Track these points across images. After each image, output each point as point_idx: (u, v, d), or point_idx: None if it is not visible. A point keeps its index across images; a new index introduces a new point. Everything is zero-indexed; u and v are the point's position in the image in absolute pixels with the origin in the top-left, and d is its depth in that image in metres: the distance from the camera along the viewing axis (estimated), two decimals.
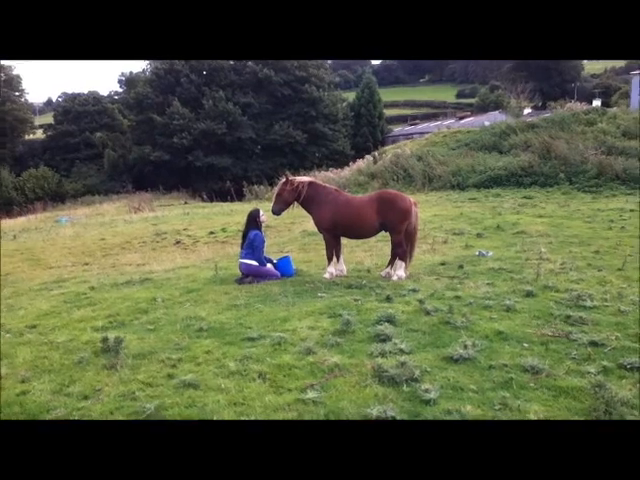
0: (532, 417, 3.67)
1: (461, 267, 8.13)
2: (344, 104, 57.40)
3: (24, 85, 64.54)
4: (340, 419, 3.84)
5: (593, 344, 4.83)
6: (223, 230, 15.09)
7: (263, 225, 8.72)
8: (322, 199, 8.12)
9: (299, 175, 26.61)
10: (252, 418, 3.92)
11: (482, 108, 59.40)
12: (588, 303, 5.95)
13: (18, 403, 4.36)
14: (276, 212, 8.32)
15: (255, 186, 29.51)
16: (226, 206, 25.17)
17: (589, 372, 4.26)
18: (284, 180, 8.25)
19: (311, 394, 4.22)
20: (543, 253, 7.96)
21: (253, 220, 8.48)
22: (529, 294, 6.47)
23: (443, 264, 8.51)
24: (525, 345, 4.96)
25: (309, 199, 8.17)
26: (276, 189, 8.40)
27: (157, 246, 14.24)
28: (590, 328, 5.26)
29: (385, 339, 5.26)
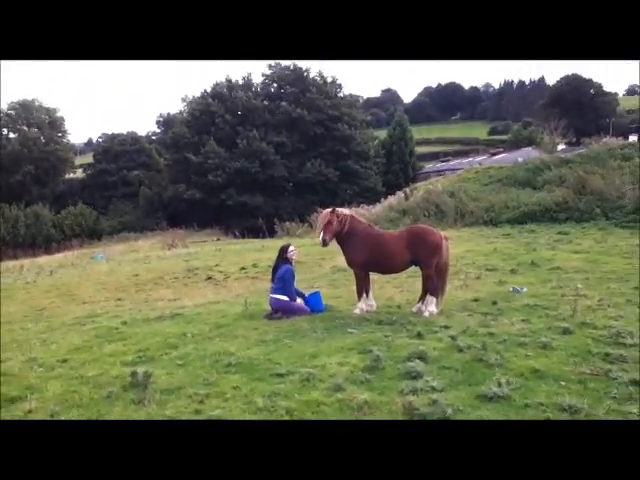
0: None
1: (495, 303, 7.95)
2: (375, 142, 57.89)
3: (66, 126, 66.74)
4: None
5: (634, 383, 4.61)
6: (254, 266, 15.17)
7: (293, 260, 8.73)
8: (358, 234, 8.06)
9: None
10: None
11: (515, 144, 59.09)
12: (628, 340, 5.72)
13: None
14: (327, 242, 7.99)
15: (286, 223, 29.71)
16: (258, 242, 25.37)
17: (630, 412, 4.05)
18: (330, 210, 8.10)
19: None
20: (580, 289, 7.72)
21: (283, 254, 8.51)
22: (566, 331, 6.26)
23: (476, 300, 8.33)
24: (562, 383, 4.76)
25: (348, 233, 8.07)
26: (323, 219, 8.08)
27: (189, 282, 14.37)
28: (631, 366, 5.03)
29: (416, 376, 5.13)
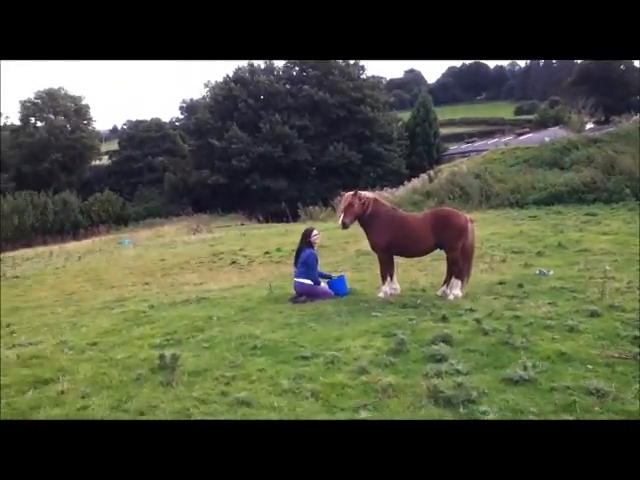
0: None
1: (520, 286, 7.86)
2: (399, 124, 57.31)
3: (92, 113, 67.37)
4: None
5: None
6: (278, 250, 15.23)
7: (316, 244, 8.74)
8: (382, 217, 8.03)
9: None
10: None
11: (541, 124, 57.87)
12: None
13: (79, 417, 4.48)
14: (347, 224, 8.03)
15: (310, 207, 29.68)
16: (281, 227, 25.45)
17: None
18: (353, 192, 8.11)
19: (364, 414, 4.15)
20: (608, 271, 7.59)
21: (306, 239, 8.54)
22: (593, 314, 6.17)
23: (501, 283, 8.25)
24: (589, 367, 4.71)
25: (371, 216, 8.06)
26: (345, 201, 8.13)
27: (214, 266, 14.51)
28: None
29: (441, 359, 5.13)
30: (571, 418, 3.78)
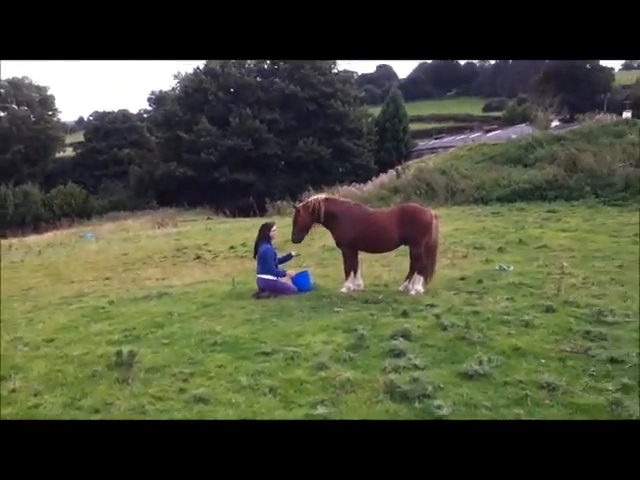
0: None
1: (480, 282, 7.98)
2: (369, 119, 57.50)
3: (57, 104, 65.78)
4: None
5: (613, 361, 4.66)
6: (243, 245, 15.13)
7: (273, 240, 8.68)
8: (341, 214, 8.05)
9: (321, 191, 26.52)
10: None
11: (509, 121, 58.79)
12: (609, 319, 5.76)
13: (29, 416, 4.38)
14: (297, 240, 8.20)
15: (278, 202, 29.60)
16: (248, 221, 25.32)
17: (607, 389, 4.10)
18: (295, 210, 8.22)
19: (321, 410, 4.16)
20: (565, 268, 7.75)
21: (264, 234, 8.49)
22: (549, 309, 6.30)
23: (462, 279, 8.36)
24: (542, 361, 4.81)
25: (328, 215, 8.07)
26: (293, 219, 8.30)
27: (177, 261, 14.36)
28: (610, 344, 5.07)
29: (399, 354, 5.17)
30: (522, 412, 3.85)
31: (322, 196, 8.42)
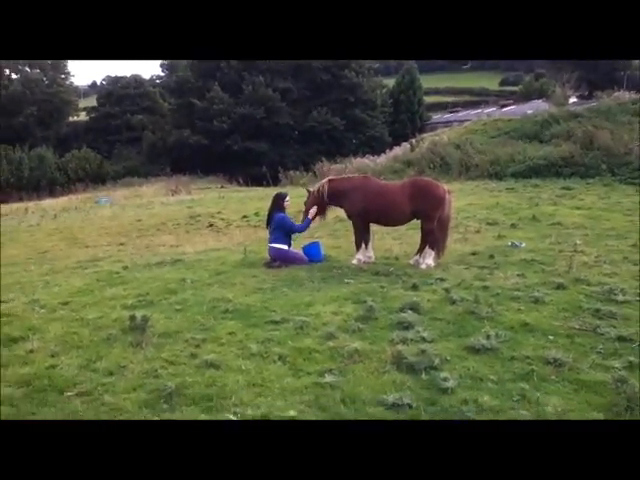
0: (550, 410, 3.61)
1: (492, 257, 8.00)
2: (383, 90, 56.77)
3: (70, 68, 65.38)
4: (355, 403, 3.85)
5: (621, 339, 4.71)
6: (256, 214, 15.18)
7: (287, 210, 8.75)
8: (348, 188, 8.13)
9: (335, 163, 26.39)
10: (270, 399, 3.97)
11: (526, 96, 57.78)
12: (620, 297, 5.79)
13: (47, 376, 4.51)
14: (310, 222, 8.51)
15: (291, 172, 29.51)
16: (261, 191, 25.31)
17: (614, 367, 4.16)
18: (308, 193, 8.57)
19: (329, 378, 4.25)
20: (578, 245, 7.76)
21: (277, 204, 8.53)
22: (559, 286, 6.33)
23: (474, 254, 8.38)
24: (550, 338, 4.87)
25: (334, 195, 8.22)
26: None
27: (191, 228, 14.46)
28: (619, 323, 5.12)
29: (408, 327, 5.24)
30: (527, 387, 3.92)
31: (324, 180, 8.54)
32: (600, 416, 3.53)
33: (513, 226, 10.62)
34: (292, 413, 3.72)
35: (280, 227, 8.37)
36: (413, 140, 27.24)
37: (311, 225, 8.80)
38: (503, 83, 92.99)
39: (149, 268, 8.58)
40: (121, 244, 12.26)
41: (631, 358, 4.30)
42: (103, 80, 69.57)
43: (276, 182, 29.33)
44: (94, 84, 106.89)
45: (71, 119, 64.29)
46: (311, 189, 8.58)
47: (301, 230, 8.54)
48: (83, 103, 71.27)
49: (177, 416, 3.78)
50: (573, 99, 36.15)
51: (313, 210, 8.36)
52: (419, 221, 8.09)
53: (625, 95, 24.73)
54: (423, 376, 4.19)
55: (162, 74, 71.99)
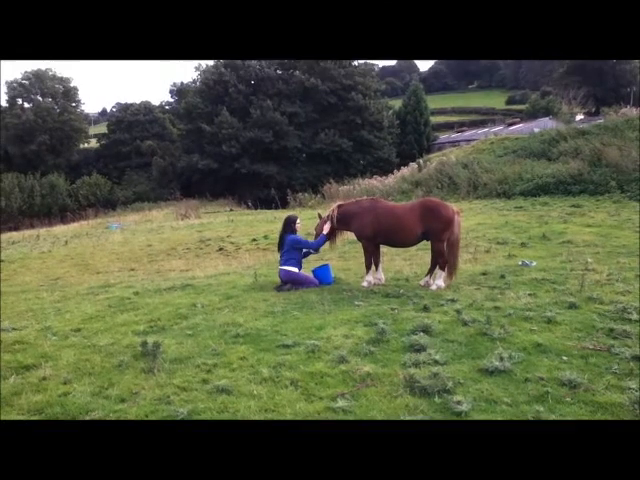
0: None
1: (503, 277, 7.96)
2: (390, 112, 57.23)
3: (80, 96, 66.39)
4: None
5: (636, 359, 4.64)
6: (265, 237, 15.26)
7: (297, 232, 8.80)
8: (356, 211, 8.20)
9: (343, 184, 26.54)
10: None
11: (532, 115, 58.00)
12: (633, 316, 5.72)
13: (59, 404, 4.49)
14: (326, 235, 8.52)
15: (299, 194, 29.67)
16: (270, 213, 25.44)
17: (630, 388, 4.09)
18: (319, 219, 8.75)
19: (341, 403, 4.21)
20: (589, 263, 7.72)
21: (289, 226, 8.58)
22: (572, 306, 6.27)
23: (484, 274, 8.35)
24: (564, 358, 4.81)
25: (343, 219, 8.33)
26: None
27: (201, 252, 14.52)
28: (634, 342, 5.05)
29: (420, 349, 5.20)
30: (542, 409, 3.87)
31: (334, 205, 8.64)
32: None
33: (523, 245, 10.58)
34: None
35: (294, 246, 8.41)
36: (420, 160, 27.38)
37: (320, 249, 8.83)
38: (510, 101, 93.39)
39: (160, 293, 8.60)
40: (132, 269, 12.33)
41: None
42: (113, 107, 70.76)
43: (285, 205, 29.47)
44: (104, 111, 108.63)
45: (82, 146, 65.21)
46: (322, 214, 8.66)
47: (316, 246, 8.58)
48: (93, 130, 72.41)
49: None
50: (580, 116, 36.24)
51: (327, 226, 8.38)
52: (429, 242, 8.08)
53: (632, 111, 24.79)
54: (436, 399, 4.15)
55: (171, 100, 73.04)
